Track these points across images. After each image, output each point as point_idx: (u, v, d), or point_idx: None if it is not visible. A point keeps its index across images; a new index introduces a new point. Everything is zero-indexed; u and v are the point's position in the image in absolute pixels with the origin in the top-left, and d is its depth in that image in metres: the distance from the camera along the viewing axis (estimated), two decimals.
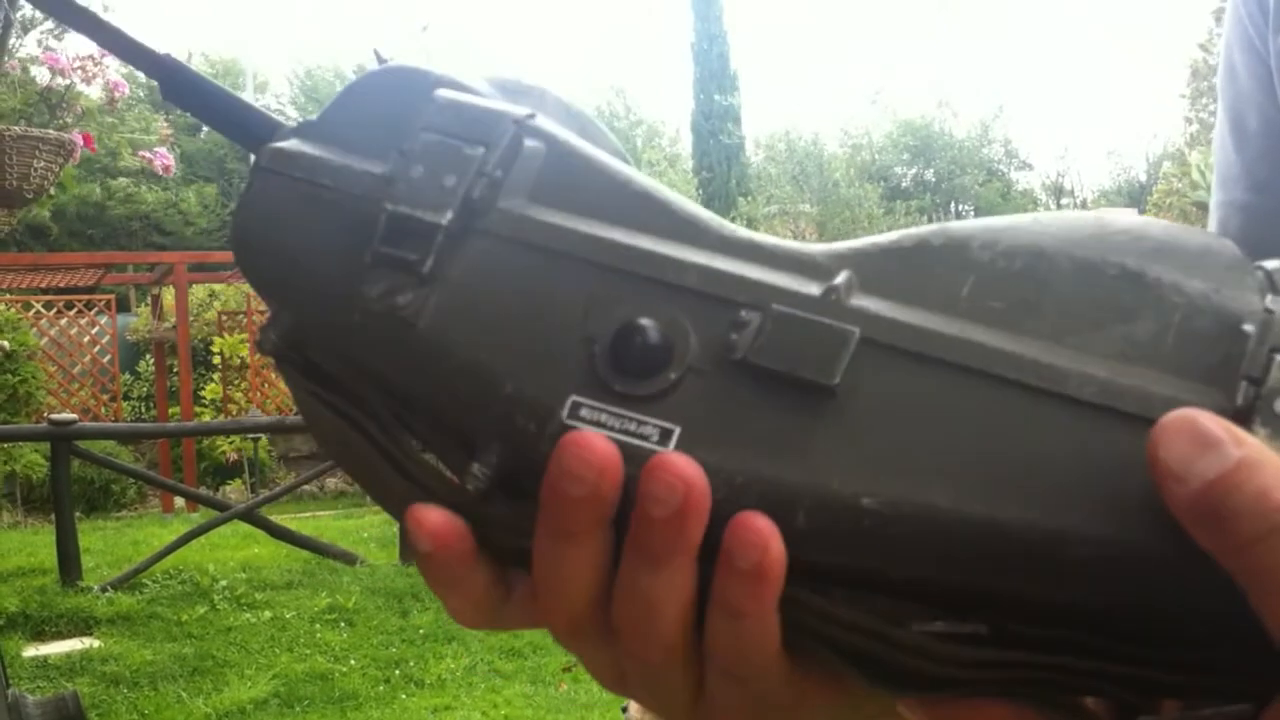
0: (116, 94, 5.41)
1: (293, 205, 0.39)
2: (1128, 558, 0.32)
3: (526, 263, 0.37)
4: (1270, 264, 0.35)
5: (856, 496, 0.34)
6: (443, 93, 0.39)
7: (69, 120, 4.93)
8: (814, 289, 0.36)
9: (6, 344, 8.74)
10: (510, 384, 0.37)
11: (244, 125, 0.44)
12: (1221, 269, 0.35)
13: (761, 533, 0.33)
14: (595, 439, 0.34)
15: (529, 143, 0.39)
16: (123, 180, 24.40)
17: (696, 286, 0.36)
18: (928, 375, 0.35)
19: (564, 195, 0.38)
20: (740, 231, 0.38)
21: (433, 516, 0.36)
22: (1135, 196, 22.87)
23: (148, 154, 5.71)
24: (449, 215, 0.37)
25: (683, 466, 0.33)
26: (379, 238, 0.37)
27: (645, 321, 0.36)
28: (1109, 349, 0.34)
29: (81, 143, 4.99)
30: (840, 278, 0.36)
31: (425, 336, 0.37)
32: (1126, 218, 0.36)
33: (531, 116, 0.39)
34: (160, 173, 5.85)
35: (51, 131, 4.85)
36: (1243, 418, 0.32)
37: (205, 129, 28.53)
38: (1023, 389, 0.34)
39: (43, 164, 4.86)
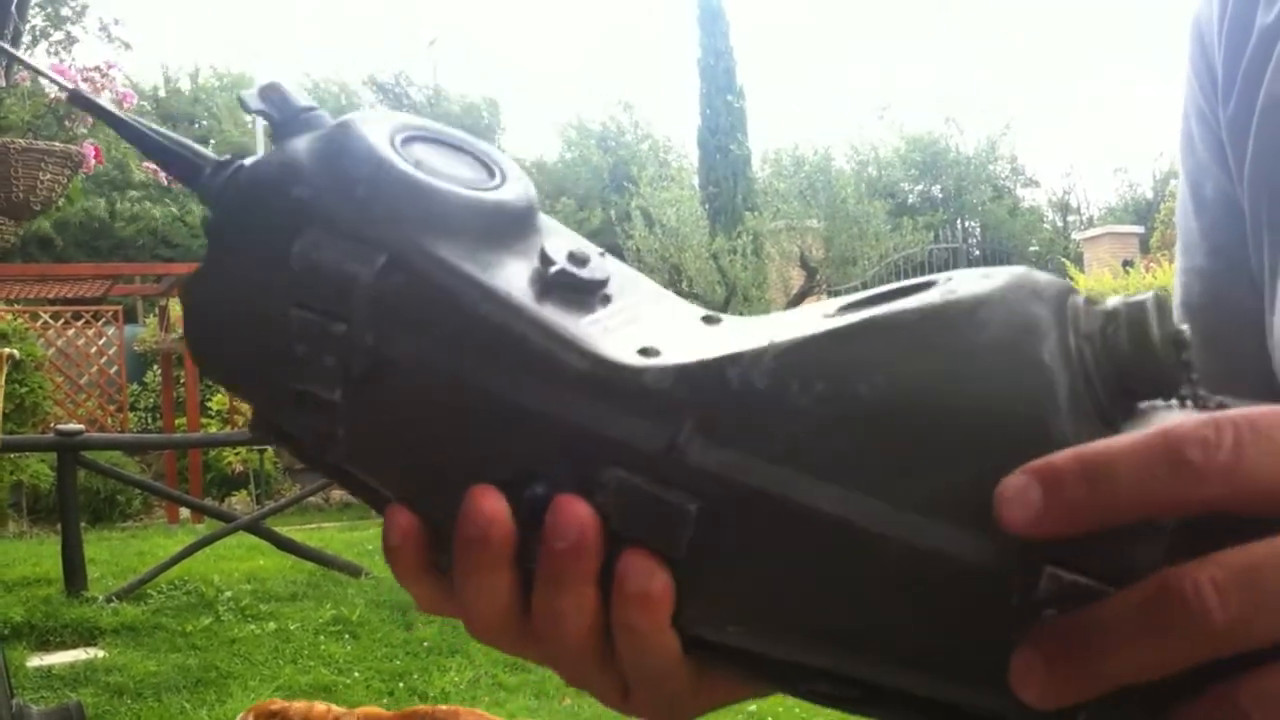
0: (125, 105, 5.43)
1: (225, 318, 0.44)
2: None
3: (410, 414, 0.42)
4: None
5: (723, 624, 0.40)
6: (300, 250, 0.42)
7: (79, 132, 4.94)
8: (659, 441, 0.38)
9: (16, 353, 8.77)
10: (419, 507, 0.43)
11: (171, 164, 0.48)
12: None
13: (647, 567, 0.38)
14: (487, 502, 0.40)
15: (392, 279, 0.41)
16: (131, 194, 24.45)
17: (559, 445, 0.40)
18: (763, 524, 0.37)
19: (429, 331, 0.41)
20: (597, 348, 0.40)
21: (403, 517, 0.42)
22: (1142, 214, 22.87)
23: (153, 165, 5.72)
24: (338, 393, 0.41)
25: (578, 509, 0.39)
26: (290, 404, 0.43)
27: (530, 486, 0.40)
28: (923, 495, 0.35)
29: (91, 154, 5.01)
30: (684, 429, 0.38)
31: (338, 465, 0.44)
32: (949, 325, 0.36)
33: (390, 263, 0.41)
34: (168, 184, 5.86)
35: (58, 144, 4.86)
36: None
37: (213, 142, 28.55)
38: (853, 535, 0.36)
39: (49, 176, 4.88)
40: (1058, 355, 0.35)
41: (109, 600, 7.03)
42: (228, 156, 0.46)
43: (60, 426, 7.96)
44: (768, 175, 17.09)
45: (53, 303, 14.51)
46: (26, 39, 4.93)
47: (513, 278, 0.41)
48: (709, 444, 0.38)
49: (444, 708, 3.54)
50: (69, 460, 7.42)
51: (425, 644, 6.81)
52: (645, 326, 0.42)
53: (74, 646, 6.54)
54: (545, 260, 0.42)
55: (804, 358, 0.37)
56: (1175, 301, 0.80)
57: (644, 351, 0.40)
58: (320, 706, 3.79)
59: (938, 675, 0.37)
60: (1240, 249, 0.70)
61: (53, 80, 0.57)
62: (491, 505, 0.40)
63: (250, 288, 0.42)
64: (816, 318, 0.39)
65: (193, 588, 7.36)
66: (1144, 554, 0.33)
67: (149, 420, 15.29)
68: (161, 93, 31.40)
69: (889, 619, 0.36)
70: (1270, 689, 0.31)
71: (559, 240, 0.45)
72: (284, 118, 0.46)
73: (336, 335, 0.41)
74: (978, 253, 20.27)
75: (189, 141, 0.48)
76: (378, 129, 0.44)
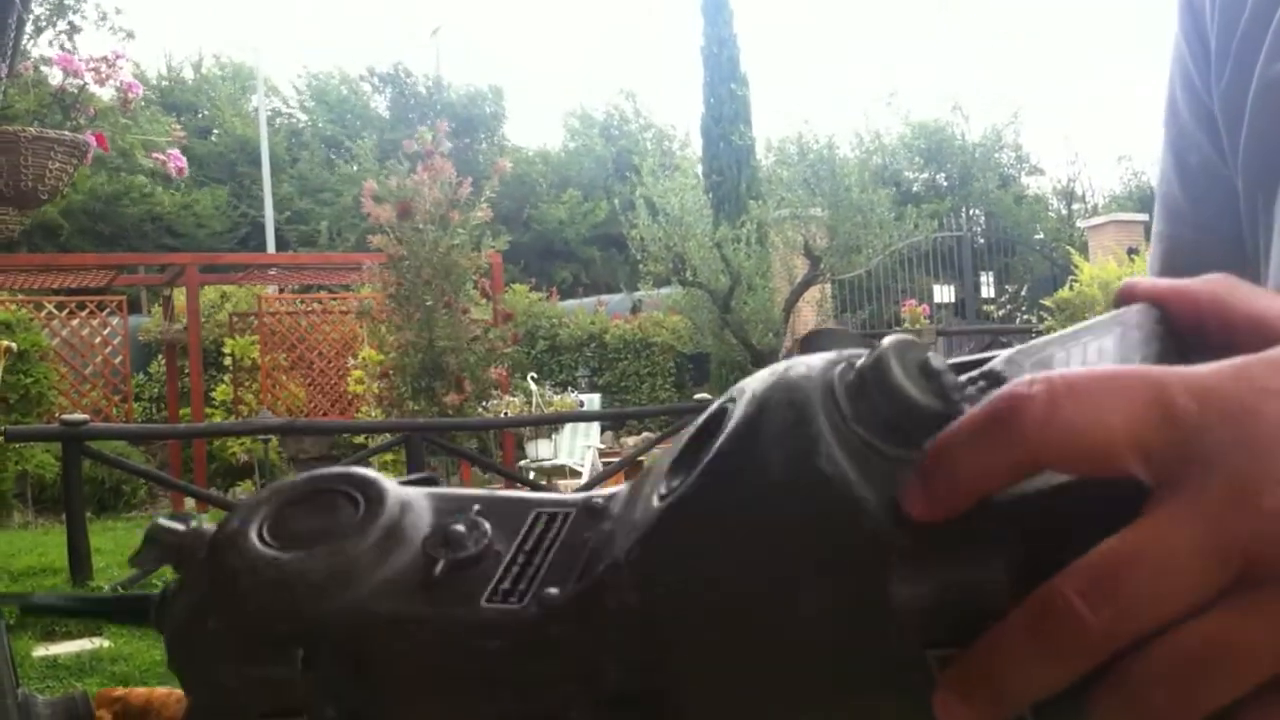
0: (130, 95, 5.43)
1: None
2: None
3: None
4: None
5: None
6: (231, 677, 0.48)
7: (82, 121, 4.93)
8: (578, 693, 0.44)
9: (14, 345, 8.78)
10: None
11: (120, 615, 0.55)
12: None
13: None
14: None
15: (317, 664, 0.47)
16: (140, 178, 24.46)
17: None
18: None
19: (370, 685, 0.47)
20: (500, 627, 0.45)
21: None
22: (1147, 202, 22.82)
23: (160, 155, 5.71)
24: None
25: None
26: None
27: None
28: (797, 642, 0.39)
29: (94, 143, 5.00)
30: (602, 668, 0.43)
31: None
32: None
33: (308, 655, 0.47)
34: (174, 175, 5.84)
35: (67, 133, 4.86)
36: None
37: (216, 132, 28.49)
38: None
39: (58, 165, 4.87)
40: (836, 456, 0.38)
41: (114, 589, 7.04)
42: (158, 594, 0.52)
43: (65, 417, 7.97)
44: (771, 164, 17.03)
45: (57, 293, 14.53)
46: (30, 29, 4.92)
47: (406, 595, 0.46)
48: (625, 663, 0.42)
49: None
50: (74, 450, 7.43)
51: None
52: (538, 569, 0.46)
53: (79, 636, 6.55)
54: (429, 561, 0.47)
55: (653, 555, 0.41)
56: (1153, 268, 0.79)
57: (540, 601, 0.44)
58: (160, 691, 3.89)
59: None
60: (1228, 223, 0.70)
61: None
62: None
63: (221, 703, 0.49)
64: (648, 506, 0.42)
65: None
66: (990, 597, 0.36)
67: (153, 410, 15.32)
68: (165, 82, 31.38)
69: None
70: (1156, 665, 0.33)
71: (433, 527, 0.49)
72: (175, 549, 0.51)
73: None
74: (982, 241, 20.23)
75: (127, 595, 0.54)
76: (247, 528, 0.49)
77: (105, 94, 5.18)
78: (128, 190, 25.25)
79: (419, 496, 0.51)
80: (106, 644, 6.39)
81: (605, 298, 21.49)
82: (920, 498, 0.35)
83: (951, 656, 0.36)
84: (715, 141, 19.06)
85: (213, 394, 14.46)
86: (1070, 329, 0.42)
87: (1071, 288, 11.48)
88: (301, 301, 16.06)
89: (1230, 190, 0.70)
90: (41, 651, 6.30)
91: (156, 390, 15.35)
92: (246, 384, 14.72)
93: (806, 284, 14.40)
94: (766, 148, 18.53)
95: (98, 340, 13.64)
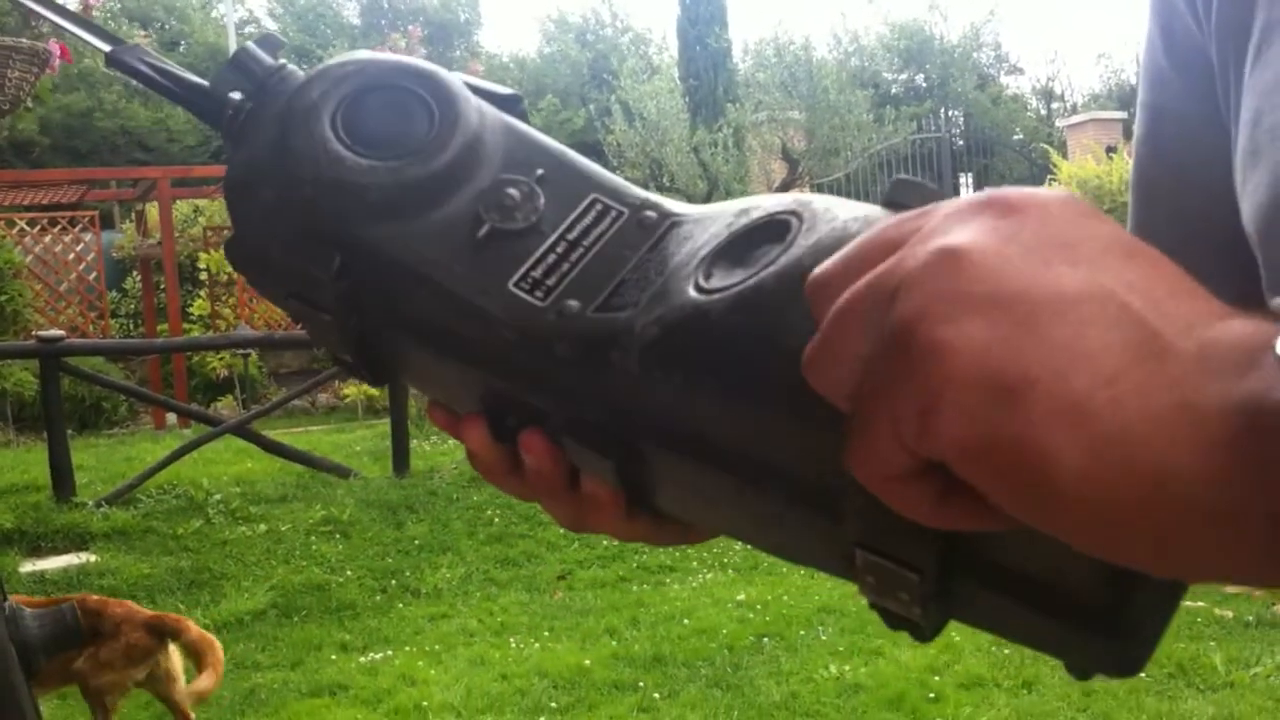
0: (92, 2, 5.30)
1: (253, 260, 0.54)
2: None
3: (412, 370, 0.55)
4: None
5: (661, 508, 0.50)
6: (276, 254, 0.51)
7: (44, 29, 4.82)
8: (573, 396, 0.48)
9: None
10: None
11: (197, 108, 0.55)
12: None
13: (594, 487, 0.49)
14: (470, 435, 0.52)
15: (350, 276, 0.50)
16: (115, 90, 24.05)
17: (509, 387, 0.50)
18: (666, 459, 0.47)
19: (395, 312, 0.51)
20: (519, 314, 0.48)
21: (474, 432, 0.51)
22: (1125, 100, 22.70)
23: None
24: (349, 356, 0.54)
25: (535, 443, 0.49)
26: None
27: (503, 418, 0.51)
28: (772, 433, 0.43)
29: (58, 52, 4.89)
30: (588, 391, 0.47)
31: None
32: None
33: (343, 265, 0.49)
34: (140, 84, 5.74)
35: (25, 40, 4.75)
36: None
37: (184, 43, 27.96)
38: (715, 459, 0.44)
39: (17, 74, 4.76)
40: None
41: (98, 505, 7.05)
42: (239, 100, 0.52)
43: (41, 333, 7.91)
44: (749, 67, 16.86)
45: (28, 209, 14.34)
46: None
47: (446, 248, 0.48)
48: (605, 407, 0.45)
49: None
50: (52, 367, 7.39)
51: (416, 542, 6.86)
52: (572, 267, 0.47)
53: (66, 552, 6.58)
54: (476, 220, 0.48)
55: (668, 348, 0.43)
56: (1136, 135, 0.79)
57: (559, 311, 0.46)
58: (118, 605, 4.19)
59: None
60: (1211, 92, 0.70)
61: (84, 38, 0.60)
62: (473, 437, 0.51)
63: (259, 257, 0.52)
64: (691, 281, 0.44)
65: (182, 492, 7.39)
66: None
67: (130, 327, 15.22)
68: None
69: (760, 506, 0.43)
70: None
71: (493, 181, 0.49)
72: (256, 85, 0.52)
73: (324, 322, 0.50)
74: (961, 142, 20.11)
75: (210, 87, 0.54)
76: (322, 106, 0.49)
77: (68, 2, 5.06)
78: (100, 104, 24.86)
79: (494, 129, 0.50)
80: (94, 559, 6.42)
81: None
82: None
83: (878, 564, 0.40)
84: (691, 44, 18.78)
85: (189, 309, 14.37)
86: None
87: (1050, 187, 11.47)
88: None
89: (1209, 64, 0.70)
90: (29, 567, 6.32)
91: (133, 306, 15.24)
92: (223, 298, 14.63)
93: (784, 188, 14.33)
94: (743, 50, 18.34)
95: (71, 256, 13.50)
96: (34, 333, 9.27)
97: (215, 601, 5.98)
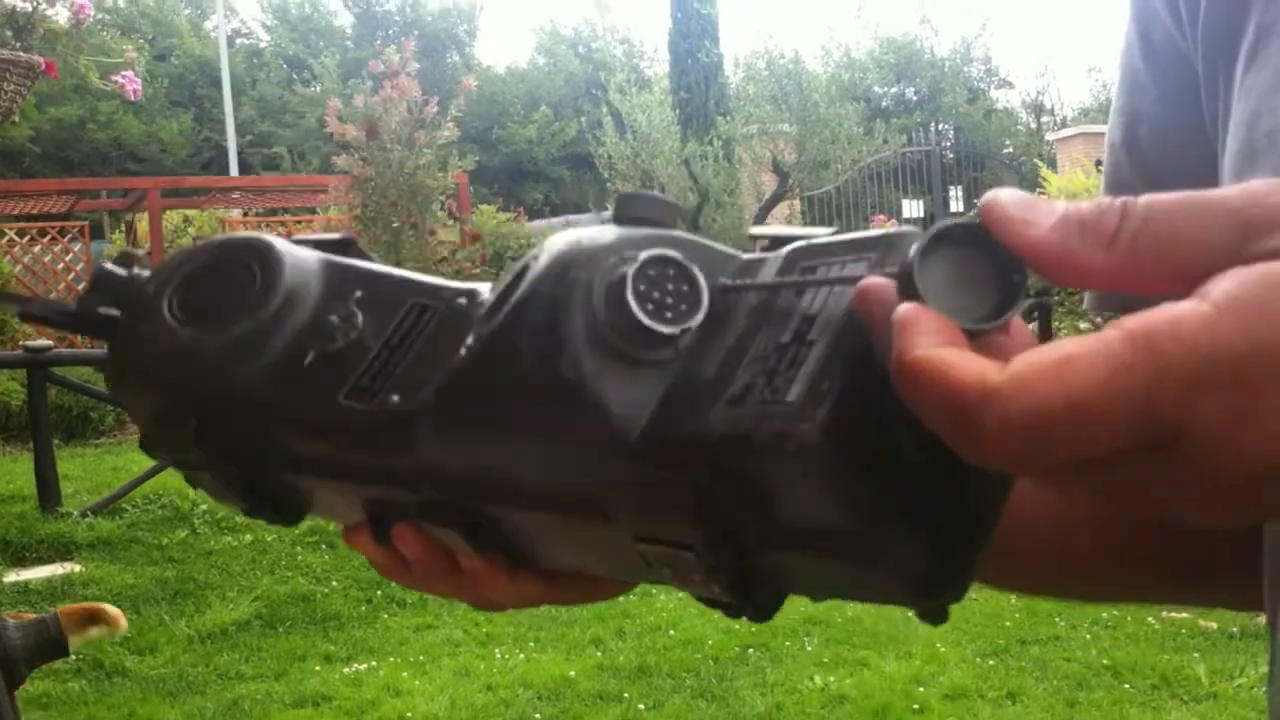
0: (82, 16, 5.29)
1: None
2: None
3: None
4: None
5: (534, 560, 0.55)
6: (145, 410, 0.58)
7: (34, 43, 4.82)
8: (412, 479, 0.52)
9: None
10: None
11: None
12: None
13: (467, 559, 0.54)
14: (356, 543, 0.58)
15: (203, 427, 0.56)
16: (110, 104, 24.05)
17: (370, 488, 0.55)
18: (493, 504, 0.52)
19: (245, 445, 0.57)
20: (348, 422, 0.52)
21: (360, 540, 0.57)
22: None
23: (116, 78, 5.59)
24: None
25: (405, 536, 0.54)
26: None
27: (380, 522, 0.56)
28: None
29: (44, 68, 4.88)
30: (413, 474, 0.51)
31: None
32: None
33: (199, 424, 0.55)
34: (130, 97, 5.72)
35: (21, 54, 4.75)
36: None
37: (175, 55, 27.95)
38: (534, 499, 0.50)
39: (11, 86, 4.76)
40: (580, 359, 0.44)
41: (84, 515, 7.03)
42: (108, 314, 0.58)
43: (29, 343, 7.88)
44: (740, 80, 16.89)
45: (18, 219, 14.32)
46: None
47: (280, 383, 0.52)
48: (433, 482, 0.50)
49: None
50: (39, 377, 7.37)
51: None
52: (394, 369, 0.51)
53: (50, 562, 6.55)
54: (302, 351, 0.53)
55: (444, 411, 0.48)
56: (1112, 139, 0.78)
57: (382, 407, 0.50)
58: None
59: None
60: (1190, 100, 0.69)
61: None
62: (361, 545, 0.56)
63: (149, 439, 0.59)
64: (459, 348, 0.49)
65: (167, 502, 7.36)
66: None
67: None
68: (122, 3, 30.72)
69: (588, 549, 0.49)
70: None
71: (313, 314, 0.54)
72: (117, 298, 0.58)
73: (207, 479, 0.57)
74: (951, 155, 20.16)
75: (99, 312, 0.59)
76: (160, 295, 0.56)
77: (58, 15, 5.06)
78: (93, 116, 24.84)
79: (313, 272, 0.55)
80: (78, 569, 6.39)
81: (573, 218, 21.34)
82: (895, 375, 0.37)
83: (660, 552, 0.44)
84: (683, 58, 18.83)
85: None
86: (861, 235, 0.44)
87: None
88: (266, 225, 15.89)
89: (1189, 71, 0.69)
90: (12, 577, 6.29)
91: None
92: None
93: (775, 200, 14.35)
94: (734, 64, 18.37)
95: (60, 267, 13.47)
96: (21, 342, 9.23)
97: (200, 612, 5.95)
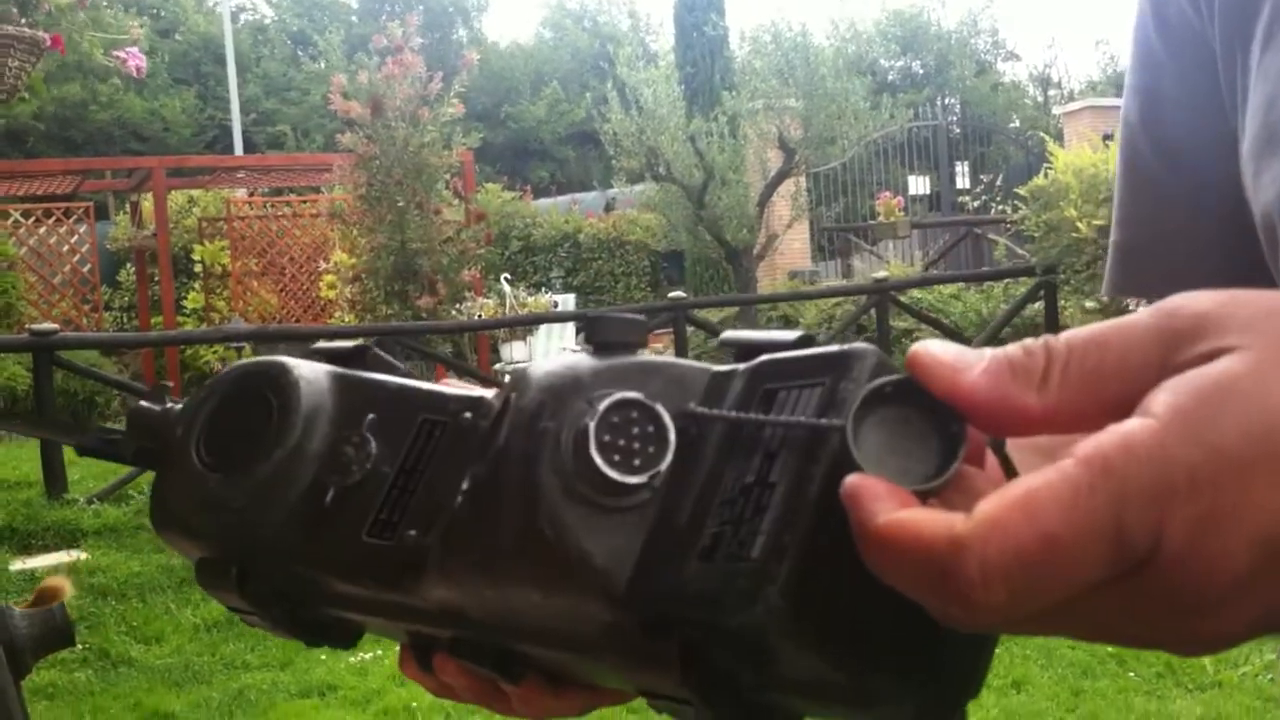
0: None
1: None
2: None
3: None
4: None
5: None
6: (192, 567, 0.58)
7: (38, 19, 4.80)
8: (438, 614, 0.52)
9: None
10: None
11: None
12: None
13: (498, 692, 0.55)
14: (408, 670, 0.57)
15: (250, 579, 0.55)
16: (111, 84, 24.02)
17: (411, 624, 0.55)
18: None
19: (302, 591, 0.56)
20: (368, 567, 0.52)
21: (409, 668, 0.57)
22: (1123, 86, 22.62)
23: (120, 54, 5.56)
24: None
25: (446, 665, 0.54)
26: None
27: (426, 650, 0.56)
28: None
29: (49, 43, 4.86)
30: (430, 606, 0.51)
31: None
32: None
33: (240, 570, 0.55)
34: (134, 74, 5.69)
35: (26, 30, 4.73)
36: None
37: (179, 31, 27.97)
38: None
39: (16, 63, 4.74)
40: (558, 513, 0.45)
41: (90, 502, 7.04)
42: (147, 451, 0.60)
43: (34, 326, 7.89)
44: (746, 54, 16.78)
45: (23, 200, 14.31)
46: None
47: (308, 527, 0.52)
48: (456, 621, 0.50)
49: None
50: (45, 360, 7.38)
51: None
52: (410, 497, 0.51)
53: (56, 549, 6.57)
54: (323, 488, 0.52)
55: (445, 554, 0.48)
56: (1128, 117, 0.78)
57: (401, 544, 0.50)
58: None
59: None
60: (1206, 78, 0.69)
61: None
62: (410, 672, 0.56)
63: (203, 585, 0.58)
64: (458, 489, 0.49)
65: None
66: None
67: (124, 320, 15.20)
68: None
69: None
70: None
71: (330, 444, 0.54)
72: (151, 436, 0.59)
73: (259, 622, 0.57)
74: (958, 130, 20.08)
75: (107, 438, 0.63)
76: (189, 437, 0.56)
77: None
78: (95, 96, 24.80)
79: (325, 391, 0.56)
80: (84, 556, 6.41)
81: (579, 196, 21.29)
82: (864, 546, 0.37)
83: (661, 704, 0.45)
84: (688, 31, 18.71)
85: (184, 302, 14.34)
86: (818, 352, 0.44)
87: (1046, 175, 11.42)
88: (271, 205, 15.85)
89: (1205, 49, 0.68)
90: (19, 565, 6.31)
91: (127, 299, 15.22)
92: (218, 291, 14.60)
93: (781, 177, 14.28)
94: (740, 37, 18.25)
95: (65, 249, 13.47)
96: (27, 325, 9.24)
97: (205, 600, 5.96)
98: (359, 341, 0.61)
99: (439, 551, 0.49)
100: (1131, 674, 4.55)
